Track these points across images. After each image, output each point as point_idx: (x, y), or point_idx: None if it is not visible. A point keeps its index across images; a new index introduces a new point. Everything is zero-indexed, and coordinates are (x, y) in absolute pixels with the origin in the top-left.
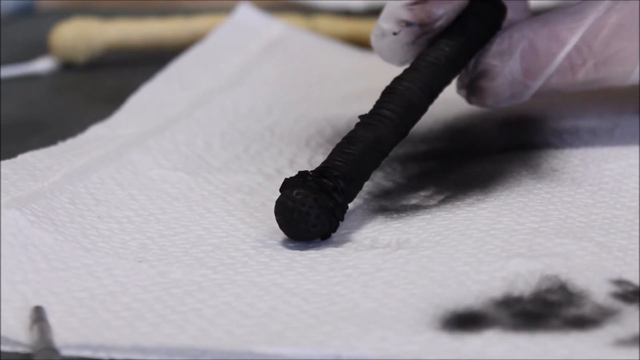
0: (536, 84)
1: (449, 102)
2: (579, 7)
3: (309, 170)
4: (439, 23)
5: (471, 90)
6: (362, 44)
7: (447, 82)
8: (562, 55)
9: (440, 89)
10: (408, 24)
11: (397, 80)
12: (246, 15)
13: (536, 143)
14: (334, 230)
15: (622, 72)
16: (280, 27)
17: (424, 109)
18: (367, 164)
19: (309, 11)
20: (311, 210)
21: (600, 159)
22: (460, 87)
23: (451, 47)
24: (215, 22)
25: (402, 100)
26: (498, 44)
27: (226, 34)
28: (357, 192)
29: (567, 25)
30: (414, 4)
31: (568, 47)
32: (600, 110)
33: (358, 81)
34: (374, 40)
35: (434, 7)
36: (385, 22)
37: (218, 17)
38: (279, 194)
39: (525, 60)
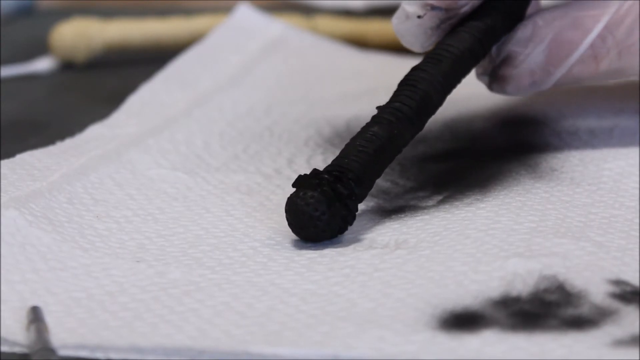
0: (558, 72)
1: (449, 102)
2: None
3: (321, 169)
4: (465, 9)
5: (493, 78)
6: (362, 44)
7: (466, 73)
8: (585, 43)
9: (458, 81)
10: (433, 7)
11: (417, 71)
12: (245, 15)
13: (535, 143)
14: (342, 233)
15: None
16: (279, 26)
17: (441, 103)
18: (381, 164)
19: (309, 11)
20: (323, 216)
21: (599, 159)
22: (481, 74)
23: (473, 38)
24: (215, 22)
25: (420, 95)
26: (521, 32)
27: (225, 34)
28: (368, 192)
29: (590, 13)
30: None
31: (592, 36)
32: (600, 110)
33: (358, 81)
34: (396, 24)
35: None
36: (410, 5)
37: (218, 17)
38: (278, 193)
39: (549, 48)
